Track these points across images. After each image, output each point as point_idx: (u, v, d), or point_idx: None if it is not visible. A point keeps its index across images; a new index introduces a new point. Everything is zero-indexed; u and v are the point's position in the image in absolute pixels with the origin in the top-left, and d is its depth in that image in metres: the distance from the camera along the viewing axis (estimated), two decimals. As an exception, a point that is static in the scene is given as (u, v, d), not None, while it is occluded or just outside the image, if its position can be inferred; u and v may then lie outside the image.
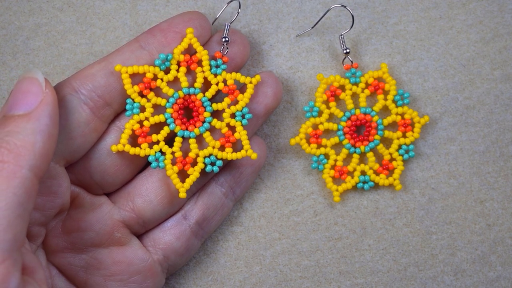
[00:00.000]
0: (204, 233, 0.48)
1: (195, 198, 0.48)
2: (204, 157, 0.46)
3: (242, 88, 0.48)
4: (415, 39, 0.50)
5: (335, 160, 0.49)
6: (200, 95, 0.46)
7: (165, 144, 0.46)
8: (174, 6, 0.50)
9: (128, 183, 0.47)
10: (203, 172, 0.47)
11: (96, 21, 0.50)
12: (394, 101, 0.49)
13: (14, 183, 0.36)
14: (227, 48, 0.47)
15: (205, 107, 0.46)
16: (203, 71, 0.46)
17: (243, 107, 0.46)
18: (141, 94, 0.46)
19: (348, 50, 0.49)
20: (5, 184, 0.36)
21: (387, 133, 0.49)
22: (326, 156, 0.50)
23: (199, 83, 0.46)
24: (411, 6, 0.50)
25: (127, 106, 0.45)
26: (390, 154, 0.50)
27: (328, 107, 0.49)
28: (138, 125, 0.45)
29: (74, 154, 0.44)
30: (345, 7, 0.49)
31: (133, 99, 0.45)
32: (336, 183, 0.50)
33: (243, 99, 0.46)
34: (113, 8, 0.50)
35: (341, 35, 0.49)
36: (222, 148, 0.47)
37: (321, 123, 0.49)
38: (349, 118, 0.49)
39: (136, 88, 0.45)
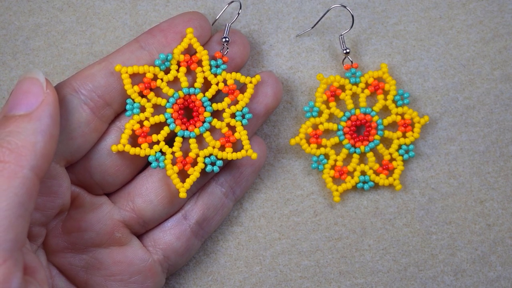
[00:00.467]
0: (204, 233, 0.48)
1: (195, 198, 0.48)
2: (204, 157, 0.46)
3: (242, 88, 0.48)
4: (415, 39, 0.50)
5: (335, 160, 0.49)
6: (200, 95, 0.46)
7: (165, 144, 0.46)
8: (174, 6, 0.50)
9: (128, 183, 0.47)
10: (203, 172, 0.47)
11: (96, 21, 0.50)
12: (394, 101, 0.49)
13: (15, 183, 0.36)
14: (227, 48, 0.47)
15: (205, 107, 0.46)
16: (203, 71, 0.46)
17: (243, 107, 0.46)
18: (141, 94, 0.46)
19: (348, 50, 0.49)
20: (6, 184, 0.36)
21: (387, 133, 0.49)
22: (326, 156, 0.50)
23: (199, 83, 0.46)
24: (411, 6, 0.50)
25: (127, 106, 0.45)
26: (390, 154, 0.50)
27: (328, 107, 0.49)
28: (138, 125, 0.45)
29: (74, 154, 0.44)
30: (345, 7, 0.49)
31: (133, 99, 0.45)
32: (336, 183, 0.50)
33: (243, 99, 0.46)
34: (113, 8, 0.50)
35: (341, 35, 0.49)
36: (222, 148, 0.47)
37: (321, 123, 0.49)
38: (349, 118, 0.49)
39: (136, 88, 0.45)
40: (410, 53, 0.50)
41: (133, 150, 0.45)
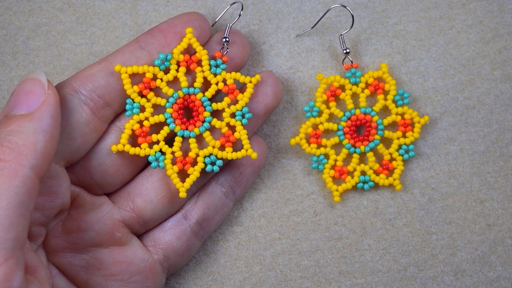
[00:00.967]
0: (205, 233, 0.48)
1: (195, 198, 0.48)
2: (204, 157, 0.46)
3: (242, 87, 0.48)
4: (415, 39, 0.50)
5: (335, 160, 0.49)
6: (200, 95, 0.46)
7: (165, 144, 0.46)
8: (174, 6, 0.50)
9: (128, 183, 0.47)
10: (203, 171, 0.47)
11: (96, 21, 0.50)
12: (394, 101, 0.49)
13: (15, 182, 0.36)
14: (227, 48, 0.47)
15: (205, 107, 0.46)
16: (203, 71, 0.46)
17: (243, 107, 0.46)
18: (141, 94, 0.46)
19: (348, 50, 0.49)
20: (7, 183, 0.36)
21: (387, 133, 0.49)
22: (326, 156, 0.50)
23: (198, 83, 0.46)
24: (411, 6, 0.50)
25: (127, 106, 0.45)
26: (390, 154, 0.50)
27: (328, 107, 0.49)
28: (138, 125, 0.45)
29: (74, 154, 0.44)
30: (345, 7, 0.49)
31: (133, 99, 0.45)
32: (336, 183, 0.50)
33: (243, 98, 0.46)
34: (113, 8, 0.50)
35: (341, 35, 0.49)
36: (222, 148, 0.47)
37: (321, 123, 0.49)
38: (349, 118, 0.49)
39: (136, 88, 0.45)
40: (410, 53, 0.50)
41: (133, 150, 0.45)
